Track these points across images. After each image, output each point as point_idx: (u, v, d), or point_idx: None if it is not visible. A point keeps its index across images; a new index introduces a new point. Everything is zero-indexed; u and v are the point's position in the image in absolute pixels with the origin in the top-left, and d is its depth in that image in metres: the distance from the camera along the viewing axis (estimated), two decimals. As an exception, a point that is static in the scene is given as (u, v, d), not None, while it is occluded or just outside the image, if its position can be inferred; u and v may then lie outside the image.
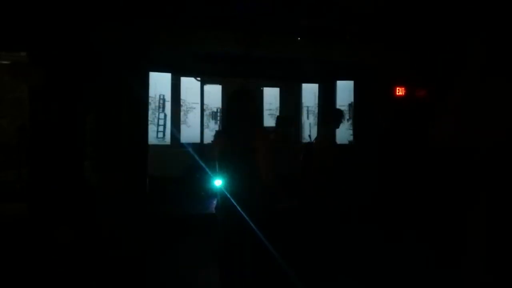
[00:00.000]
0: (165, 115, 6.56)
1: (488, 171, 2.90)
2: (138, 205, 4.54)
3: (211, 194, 5.59)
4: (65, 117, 4.29)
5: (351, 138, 7.11)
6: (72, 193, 4.19)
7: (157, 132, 6.46)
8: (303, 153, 6.28)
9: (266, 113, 7.22)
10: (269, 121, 7.15)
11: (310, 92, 7.55)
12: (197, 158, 6.53)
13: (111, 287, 3.48)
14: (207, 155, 3.45)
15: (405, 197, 5.39)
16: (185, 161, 6.54)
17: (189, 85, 6.87)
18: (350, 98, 7.21)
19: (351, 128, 7.15)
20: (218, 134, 2.97)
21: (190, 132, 6.82)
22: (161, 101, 6.48)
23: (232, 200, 2.75)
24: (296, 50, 6.14)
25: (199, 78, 6.93)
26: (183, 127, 6.80)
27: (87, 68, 4.32)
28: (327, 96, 7.44)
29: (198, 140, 6.86)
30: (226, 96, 5.68)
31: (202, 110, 6.93)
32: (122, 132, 4.59)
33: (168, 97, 6.54)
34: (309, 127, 7.47)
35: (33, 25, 4.20)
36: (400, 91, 6.45)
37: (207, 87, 6.94)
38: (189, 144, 6.82)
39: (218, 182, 2.86)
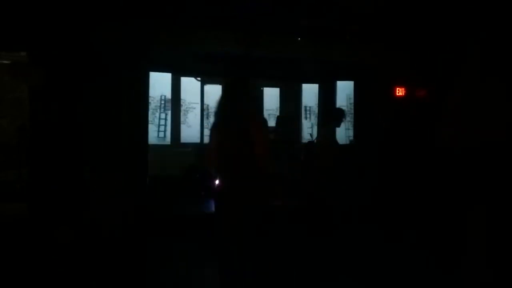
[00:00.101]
0: (165, 115, 6.57)
1: (488, 171, 2.90)
2: (138, 205, 4.54)
3: (211, 194, 5.60)
4: (65, 117, 4.29)
5: (346, 138, 7.14)
6: (72, 193, 4.19)
7: (158, 132, 6.48)
8: (304, 152, 6.29)
9: (266, 113, 7.22)
10: (269, 121, 7.15)
11: (310, 92, 7.56)
12: (197, 158, 6.55)
13: (111, 287, 3.48)
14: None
15: (405, 197, 5.39)
16: (185, 161, 6.55)
17: (189, 85, 6.87)
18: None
19: (348, 128, 7.18)
20: (215, 124, 2.95)
21: (190, 132, 6.83)
22: (163, 102, 6.49)
23: (230, 196, 2.75)
24: (296, 50, 6.14)
25: (199, 78, 6.93)
26: (183, 127, 6.81)
27: (87, 68, 4.32)
28: (327, 96, 7.45)
29: (198, 140, 6.87)
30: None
31: (202, 110, 6.93)
32: (122, 132, 4.59)
33: (168, 97, 6.56)
34: (311, 127, 7.48)
35: (33, 25, 4.21)
36: (400, 91, 6.46)
37: (207, 87, 6.94)
38: (189, 144, 6.84)
39: (217, 181, 2.88)
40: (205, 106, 6.94)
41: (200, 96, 6.93)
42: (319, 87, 7.56)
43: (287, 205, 5.39)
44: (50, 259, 3.61)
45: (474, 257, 2.96)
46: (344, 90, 7.38)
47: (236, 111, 2.79)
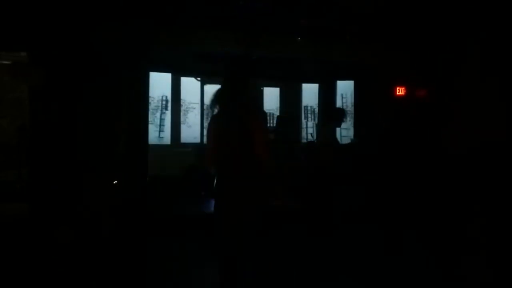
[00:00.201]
0: (165, 115, 6.58)
1: (488, 171, 2.90)
2: (138, 205, 4.53)
3: (211, 194, 5.60)
4: (65, 117, 4.29)
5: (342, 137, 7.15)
6: (72, 193, 4.18)
7: (159, 132, 6.48)
8: (305, 152, 6.30)
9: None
10: (269, 121, 7.15)
11: (310, 92, 7.56)
12: (197, 158, 6.56)
13: (111, 287, 3.48)
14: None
15: (405, 196, 5.39)
16: (185, 160, 6.55)
17: (189, 85, 6.87)
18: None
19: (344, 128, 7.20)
20: (213, 119, 2.95)
21: (190, 132, 6.84)
22: (164, 102, 6.50)
23: (230, 196, 2.75)
24: (296, 50, 6.14)
25: (199, 78, 6.94)
26: (183, 127, 6.81)
27: (87, 68, 4.31)
28: (327, 96, 7.45)
29: (198, 140, 6.87)
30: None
31: (202, 110, 6.94)
32: (122, 132, 4.59)
33: (169, 97, 6.56)
34: (313, 127, 7.49)
35: (33, 25, 4.20)
36: (400, 91, 6.46)
37: (207, 87, 6.94)
38: (189, 144, 6.84)
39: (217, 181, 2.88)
40: (205, 106, 6.94)
41: (200, 96, 6.93)
42: (319, 87, 7.57)
43: (287, 205, 5.40)
44: (50, 259, 3.61)
45: (474, 257, 2.97)
46: (339, 89, 7.41)
47: (237, 111, 2.79)
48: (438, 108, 5.72)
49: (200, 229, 4.06)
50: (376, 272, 3.84)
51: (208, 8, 5.05)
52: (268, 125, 6.97)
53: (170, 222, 4.99)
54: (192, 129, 6.85)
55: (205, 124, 6.87)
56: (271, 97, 7.42)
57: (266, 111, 7.20)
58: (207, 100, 6.91)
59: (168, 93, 6.56)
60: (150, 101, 5.87)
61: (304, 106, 7.56)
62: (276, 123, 6.77)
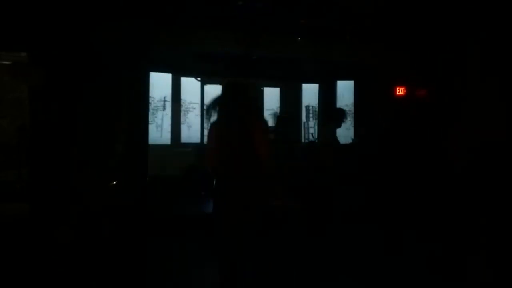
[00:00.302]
0: (166, 115, 6.58)
1: (488, 171, 2.90)
2: (138, 205, 4.53)
3: (211, 194, 5.60)
4: (65, 117, 4.28)
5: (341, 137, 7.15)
6: (72, 193, 4.18)
7: (161, 132, 6.48)
8: (305, 152, 6.29)
9: (266, 113, 7.22)
10: (269, 121, 7.15)
11: (310, 91, 7.56)
12: (197, 158, 6.56)
13: (111, 287, 3.48)
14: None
15: (405, 196, 5.39)
16: (185, 161, 6.55)
17: (189, 85, 6.87)
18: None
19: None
20: (214, 124, 2.95)
21: (190, 132, 6.84)
22: (164, 102, 6.50)
23: (230, 196, 2.75)
24: (296, 50, 6.14)
25: (199, 78, 6.93)
26: (183, 127, 6.81)
27: (87, 68, 4.31)
28: (327, 96, 7.45)
29: (198, 140, 6.87)
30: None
31: (202, 110, 6.93)
32: (122, 132, 4.59)
33: (169, 97, 6.56)
34: (314, 126, 7.48)
35: (33, 25, 4.20)
36: (400, 91, 6.46)
37: (207, 87, 6.94)
38: (189, 144, 6.84)
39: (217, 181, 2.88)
40: (205, 106, 6.93)
41: (200, 96, 6.93)
42: (319, 87, 7.56)
43: (287, 205, 5.39)
44: (50, 259, 3.61)
45: (475, 257, 2.97)
46: (339, 89, 7.41)
47: (238, 112, 2.79)
48: (438, 108, 5.73)
49: (200, 229, 4.06)
50: (376, 272, 3.84)
51: (208, 8, 5.05)
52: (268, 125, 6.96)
53: (170, 222, 4.99)
54: (192, 129, 6.85)
55: (205, 124, 6.86)
56: (271, 97, 7.41)
57: (266, 111, 7.20)
58: (207, 100, 6.93)
59: (168, 93, 6.56)
60: (150, 101, 5.86)
61: (306, 106, 7.55)
62: (276, 123, 6.76)
